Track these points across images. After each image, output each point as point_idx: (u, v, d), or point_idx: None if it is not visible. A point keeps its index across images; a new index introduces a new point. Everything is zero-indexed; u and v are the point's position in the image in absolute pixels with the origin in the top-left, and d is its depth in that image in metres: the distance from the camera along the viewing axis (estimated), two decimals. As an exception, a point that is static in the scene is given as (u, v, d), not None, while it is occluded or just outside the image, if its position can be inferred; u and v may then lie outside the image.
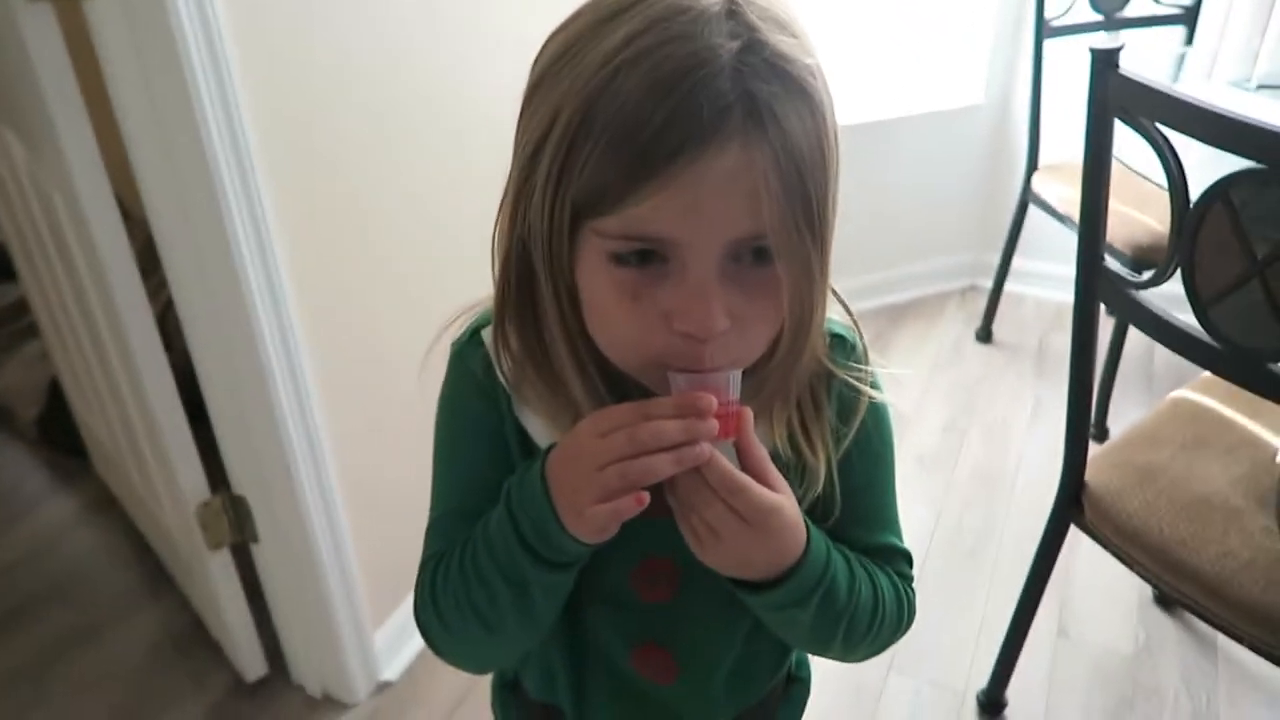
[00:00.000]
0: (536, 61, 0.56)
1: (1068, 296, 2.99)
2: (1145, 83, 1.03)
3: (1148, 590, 1.77)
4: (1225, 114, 0.93)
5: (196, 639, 1.74)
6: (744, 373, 0.58)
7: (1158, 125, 1.03)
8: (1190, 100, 0.97)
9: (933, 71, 2.72)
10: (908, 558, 0.73)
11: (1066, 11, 2.28)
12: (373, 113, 1.37)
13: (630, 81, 0.49)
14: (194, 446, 1.45)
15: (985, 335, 2.62)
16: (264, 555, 1.52)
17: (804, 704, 0.85)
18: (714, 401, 0.54)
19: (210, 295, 1.27)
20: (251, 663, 1.63)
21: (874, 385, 0.67)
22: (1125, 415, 2.22)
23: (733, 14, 0.50)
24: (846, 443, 0.66)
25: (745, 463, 0.58)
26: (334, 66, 1.29)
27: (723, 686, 0.74)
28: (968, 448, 2.21)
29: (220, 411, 1.39)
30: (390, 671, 1.65)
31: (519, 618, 0.62)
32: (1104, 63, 1.06)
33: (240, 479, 1.45)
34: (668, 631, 0.71)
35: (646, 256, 0.53)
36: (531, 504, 0.58)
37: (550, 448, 0.60)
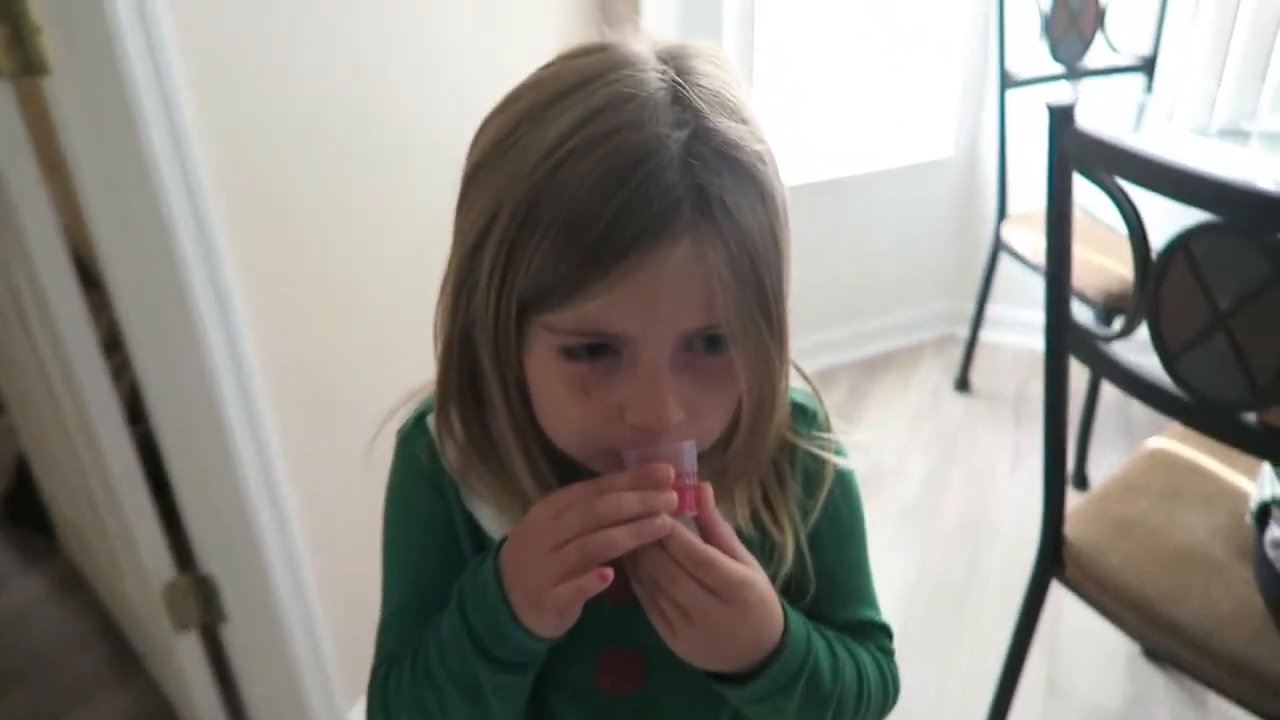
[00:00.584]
0: (474, 145, 0.55)
1: (1043, 343, 2.99)
2: (1101, 137, 1.03)
3: (1136, 642, 1.75)
4: (1181, 167, 0.94)
5: (165, 722, 1.69)
6: (704, 455, 0.56)
7: (1116, 178, 1.03)
8: (1146, 154, 0.97)
9: (902, 126, 2.76)
10: (887, 631, 0.71)
11: (1028, 64, 2.32)
12: (340, 186, 1.37)
13: (576, 173, 0.47)
14: (159, 524, 1.42)
15: (963, 384, 2.62)
16: (233, 635, 1.47)
17: None
18: (670, 472, 0.52)
19: (173, 369, 1.24)
20: (221, 747, 1.57)
21: (838, 452, 0.66)
22: (1105, 461, 2.21)
23: (678, 99, 0.49)
24: (815, 516, 0.64)
25: (709, 538, 0.55)
26: (301, 140, 1.29)
27: None
28: (949, 498, 2.20)
29: (185, 488, 1.36)
30: (365, 751, 1.59)
31: None
32: (1061, 118, 1.07)
33: (207, 557, 1.41)
34: None
35: (597, 350, 0.51)
36: (484, 600, 0.56)
37: (503, 541, 0.58)
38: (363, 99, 1.39)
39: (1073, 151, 1.07)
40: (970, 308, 2.57)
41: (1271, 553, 1.14)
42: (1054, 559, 1.32)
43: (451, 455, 0.62)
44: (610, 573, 0.52)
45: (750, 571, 0.56)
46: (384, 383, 1.48)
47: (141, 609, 1.57)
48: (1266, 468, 1.20)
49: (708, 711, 0.68)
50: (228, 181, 1.19)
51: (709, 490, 0.55)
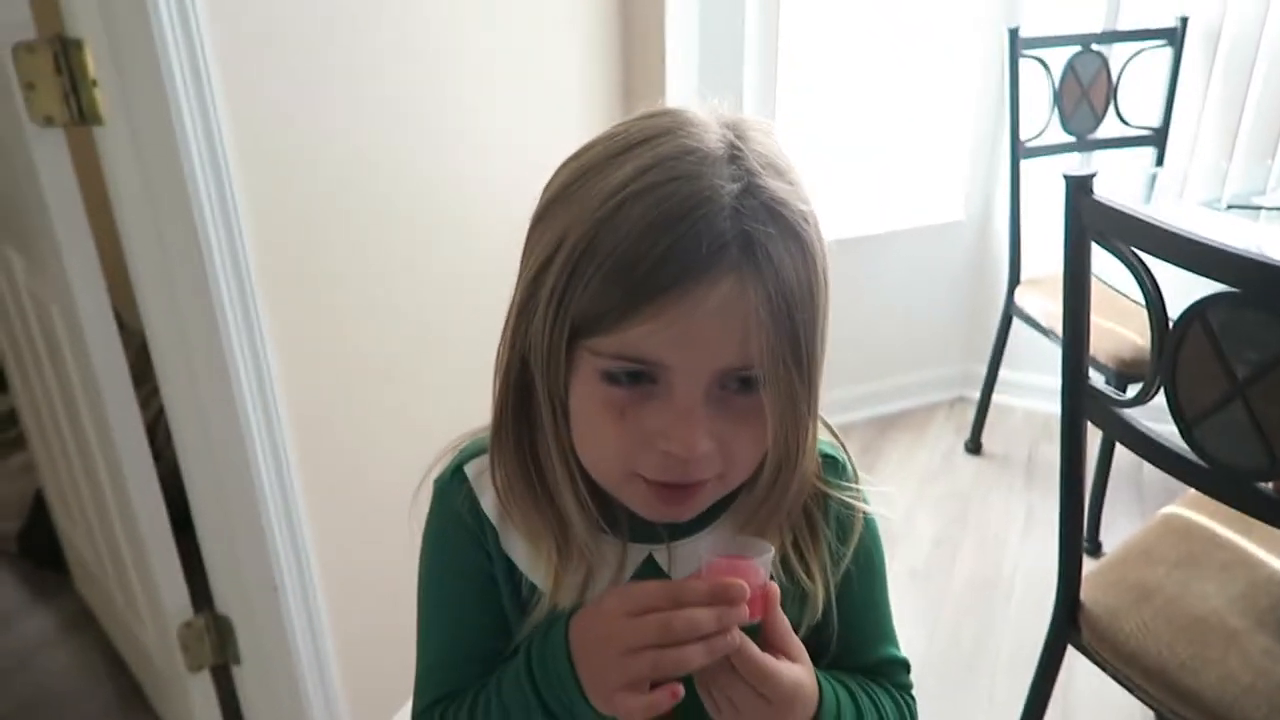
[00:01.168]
0: (548, 187, 0.59)
1: (1055, 407, 3.00)
2: (1118, 208, 1.06)
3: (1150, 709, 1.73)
4: (1196, 239, 0.96)
5: (170, 765, 1.68)
6: (733, 497, 0.58)
7: (1132, 249, 1.06)
8: (1162, 225, 1.00)
9: (915, 189, 2.81)
10: (906, 666, 0.74)
11: (1040, 133, 2.37)
12: (371, 238, 1.40)
13: (635, 213, 0.51)
14: (179, 564, 1.43)
15: (974, 447, 2.63)
16: (245, 678, 1.47)
17: None
18: (747, 590, 0.54)
19: (201, 408, 1.27)
20: (226, 792, 1.56)
21: (864, 500, 0.69)
22: (1117, 527, 2.21)
23: (735, 159, 0.53)
24: (846, 563, 0.67)
25: (768, 635, 0.58)
26: (334, 193, 1.33)
27: None
28: (961, 560, 2.19)
29: (207, 527, 1.37)
30: (371, 801, 1.58)
31: None
32: (1078, 188, 1.10)
33: (225, 598, 1.42)
34: None
35: (637, 377, 0.55)
36: (557, 676, 0.58)
37: (572, 611, 0.60)
38: (400, 177, 1.44)
39: (1090, 221, 1.10)
40: (982, 370, 2.59)
41: (1291, 622, 1.14)
42: (1069, 624, 1.32)
43: (490, 500, 0.64)
44: (681, 690, 0.54)
45: (801, 675, 0.59)
46: (411, 435, 1.51)
47: (154, 647, 1.57)
48: (1286, 537, 1.21)
49: None
50: (266, 230, 1.22)
51: (777, 593, 0.58)
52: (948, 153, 2.74)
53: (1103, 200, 1.08)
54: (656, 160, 0.53)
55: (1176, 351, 1.01)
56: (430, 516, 0.69)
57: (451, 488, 0.67)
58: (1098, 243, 1.10)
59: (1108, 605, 1.29)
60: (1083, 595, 1.32)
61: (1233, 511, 1.43)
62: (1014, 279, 2.42)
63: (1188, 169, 2.46)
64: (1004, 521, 2.32)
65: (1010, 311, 2.43)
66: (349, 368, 1.42)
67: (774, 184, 0.54)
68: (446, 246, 1.57)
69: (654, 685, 0.55)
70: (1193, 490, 1.51)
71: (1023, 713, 1.41)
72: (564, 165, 0.59)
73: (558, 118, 1.86)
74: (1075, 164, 2.56)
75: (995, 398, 2.60)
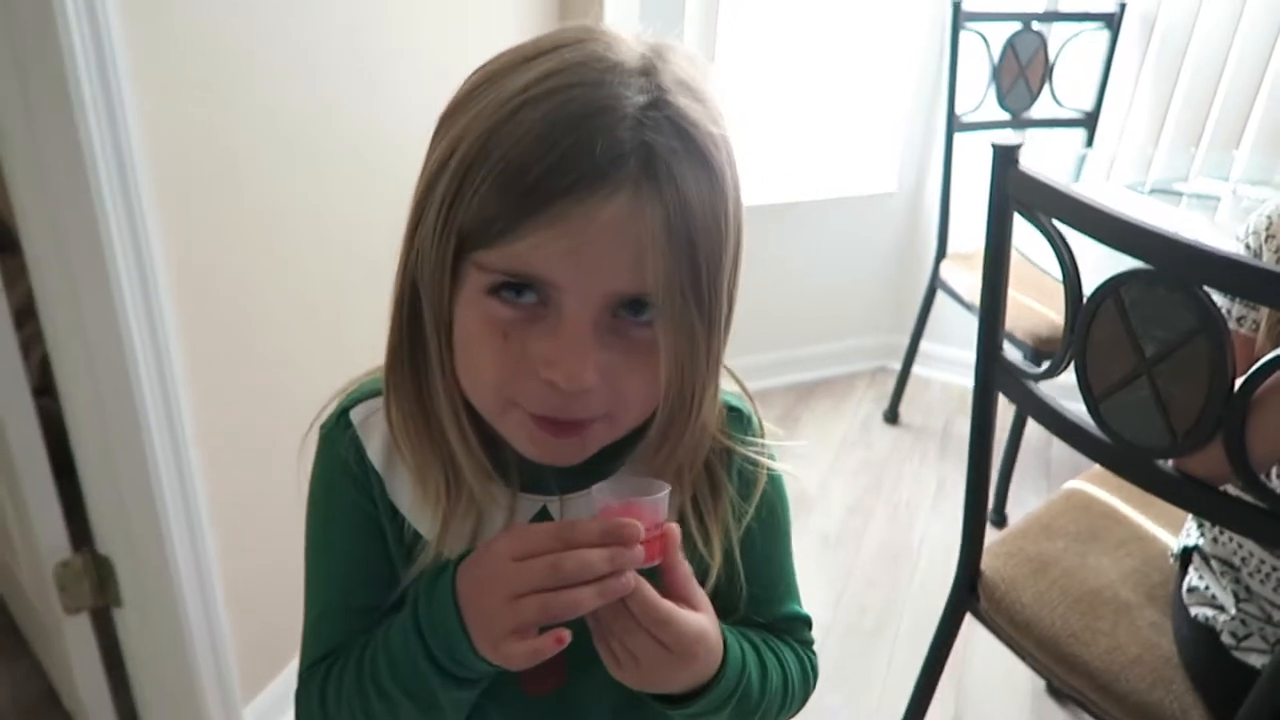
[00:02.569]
0: (455, 94, 0.55)
1: (972, 381, 3.05)
2: (1042, 179, 1.05)
3: (1041, 679, 1.78)
4: (1116, 215, 0.96)
5: (48, 709, 1.61)
6: (625, 443, 0.55)
7: (1054, 221, 1.05)
8: (1084, 199, 0.99)
9: (848, 159, 2.80)
10: (808, 622, 0.73)
11: (976, 108, 2.37)
12: (279, 162, 1.33)
13: (530, 117, 0.48)
14: (55, 497, 1.35)
15: (892, 416, 2.66)
16: (127, 621, 1.41)
17: None
18: (641, 530, 0.51)
19: (86, 341, 1.19)
20: (105, 737, 1.50)
21: (770, 456, 0.66)
22: (1023, 502, 2.26)
23: (647, 72, 0.50)
24: (748, 519, 0.65)
25: (669, 581, 0.56)
26: (238, 99, 1.25)
27: None
28: (872, 528, 2.22)
29: (88, 462, 1.30)
30: (259, 750, 1.54)
31: None
32: (1005, 158, 1.08)
33: (106, 537, 1.35)
34: None
35: (522, 293, 0.51)
36: (442, 625, 0.55)
37: (460, 559, 0.56)
38: (318, 110, 1.36)
39: (1014, 191, 1.09)
40: (904, 342, 2.61)
41: (1186, 598, 1.17)
42: (969, 592, 1.34)
43: (376, 446, 0.61)
44: (568, 635, 0.52)
45: (703, 623, 0.56)
46: (307, 374, 1.45)
47: (30, 588, 1.49)
48: (1191, 514, 1.23)
49: (629, 709, 0.68)
50: (157, 144, 1.15)
51: (676, 534, 0.55)
52: (883, 124, 2.73)
53: (1027, 171, 1.07)
54: (561, 66, 0.50)
55: (1089, 326, 1.01)
56: (316, 464, 0.65)
57: (336, 433, 0.63)
58: (1020, 213, 1.09)
59: (1006, 575, 1.31)
60: (983, 564, 1.33)
61: (1133, 489, 1.46)
62: (940, 252, 2.43)
63: (1115, 152, 2.49)
64: (916, 492, 2.36)
65: (935, 284, 2.45)
66: (247, 305, 1.35)
67: (685, 102, 0.50)
68: (356, 184, 1.50)
69: (543, 631, 0.52)
70: (1097, 467, 1.54)
71: (919, 677, 1.43)
72: (470, 75, 0.55)
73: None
74: (1006, 140, 2.58)
75: (915, 369, 2.63)
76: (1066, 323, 1.04)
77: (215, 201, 1.25)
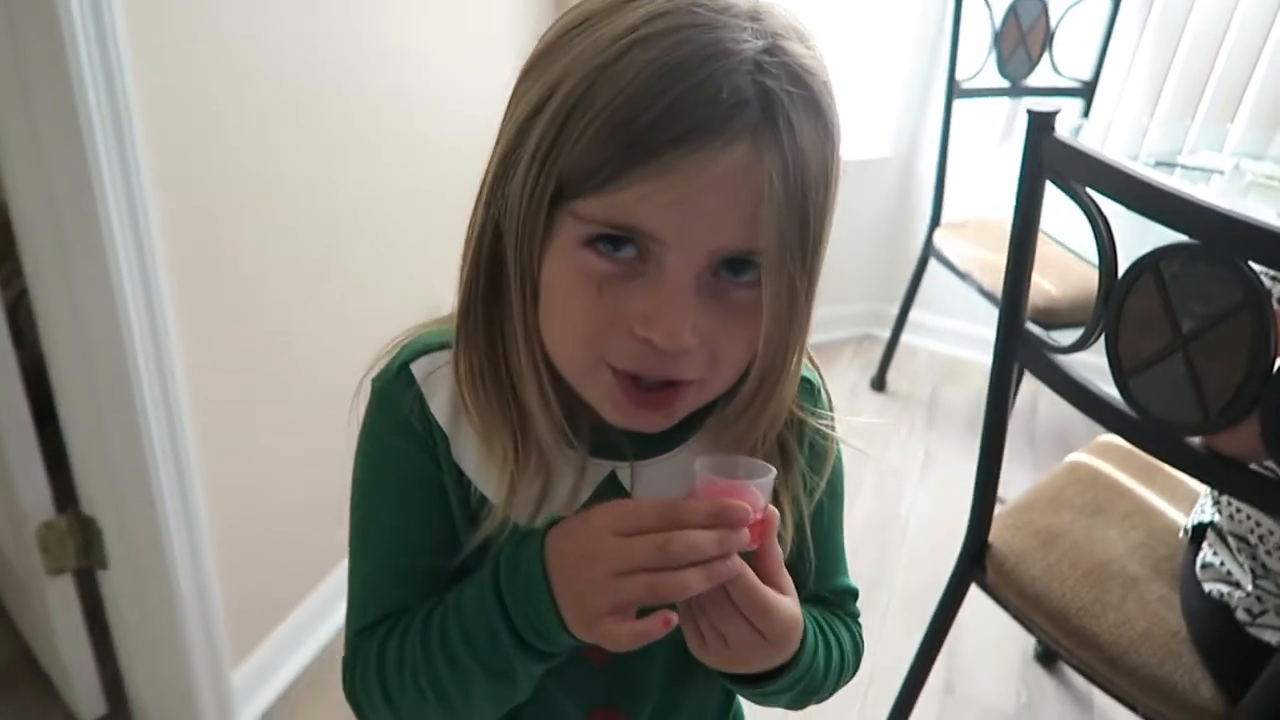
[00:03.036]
0: (542, 39, 0.51)
1: (960, 351, 3.05)
2: (1081, 148, 1.03)
3: (1030, 646, 1.80)
4: (1160, 186, 0.94)
5: (24, 673, 1.56)
6: (707, 411, 0.53)
7: (1089, 191, 1.03)
8: (1127, 169, 0.97)
9: (843, 122, 2.76)
10: (856, 595, 0.71)
11: (976, 75, 2.34)
12: (275, 120, 1.27)
13: (643, 58, 0.44)
14: (39, 456, 1.29)
15: (880, 384, 2.66)
16: (112, 583, 1.36)
17: None
18: (750, 513, 0.49)
19: (72, 284, 1.13)
20: (88, 701, 1.46)
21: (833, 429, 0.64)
22: (1009, 474, 2.25)
23: (757, 17, 0.47)
24: (819, 494, 0.62)
25: (761, 565, 0.53)
26: (235, 67, 1.18)
27: None
28: (861, 496, 2.21)
29: (74, 419, 1.24)
30: (248, 715, 1.50)
31: (495, 704, 0.57)
32: (1040, 125, 1.06)
33: (91, 497, 1.30)
34: (614, 696, 0.67)
35: (621, 246, 0.48)
36: (528, 597, 0.52)
37: (549, 526, 0.53)
38: (306, 67, 1.30)
39: (1048, 160, 1.06)
40: (893, 309, 2.60)
41: (1200, 574, 1.17)
42: (976, 563, 1.33)
43: (441, 402, 0.57)
44: (674, 618, 0.49)
45: (796, 611, 0.55)
46: (304, 331, 1.40)
47: (11, 549, 1.44)
48: (1206, 490, 1.23)
49: (681, 672, 0.67)
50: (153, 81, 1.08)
51: (775, 519, 0.53)
52: (879, 89, 2.69)
53: (1064, 139, 1.04)
54: (671, 6, 0.46)
55: (1124, 300, 0.99)
56: (369, 419, 0.61)
57: (396, 389, 0.59)
58: (1053, 182, 1.07)
59: (1015, 548, 1.30)
60: (990, 537, 1.33)
61: (1135, 461, 1.47)
62: (935, 220, 2.42)
63: (1111, 122, 2.48)
64: (903, 461, 2.36)
65: (928, 253, 2.43)
66: (244, 258, 1.29)
67: (799, 48, 0.47)
68: (353, 148, 1.44)
69: (640, 612, 0.50)
70: (1097, 439, 1.54)
71: (920, 647, 1.43)
72: (561, 17, 0.51)
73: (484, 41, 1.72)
74: (1006, 110, 2.56)
75: (903, 338, 2.62)
76: (1100, 294, 1.02)
77: (211, 148, 1.19)
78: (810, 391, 0.63)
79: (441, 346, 0.58)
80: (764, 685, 0.58)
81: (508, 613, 0.53)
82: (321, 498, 1.56)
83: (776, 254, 0.47)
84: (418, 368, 0.58)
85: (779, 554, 0.54)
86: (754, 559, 0.52)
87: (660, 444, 0.59)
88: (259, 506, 1.44)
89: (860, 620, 0.72)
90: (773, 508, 0.52)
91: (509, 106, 0.52)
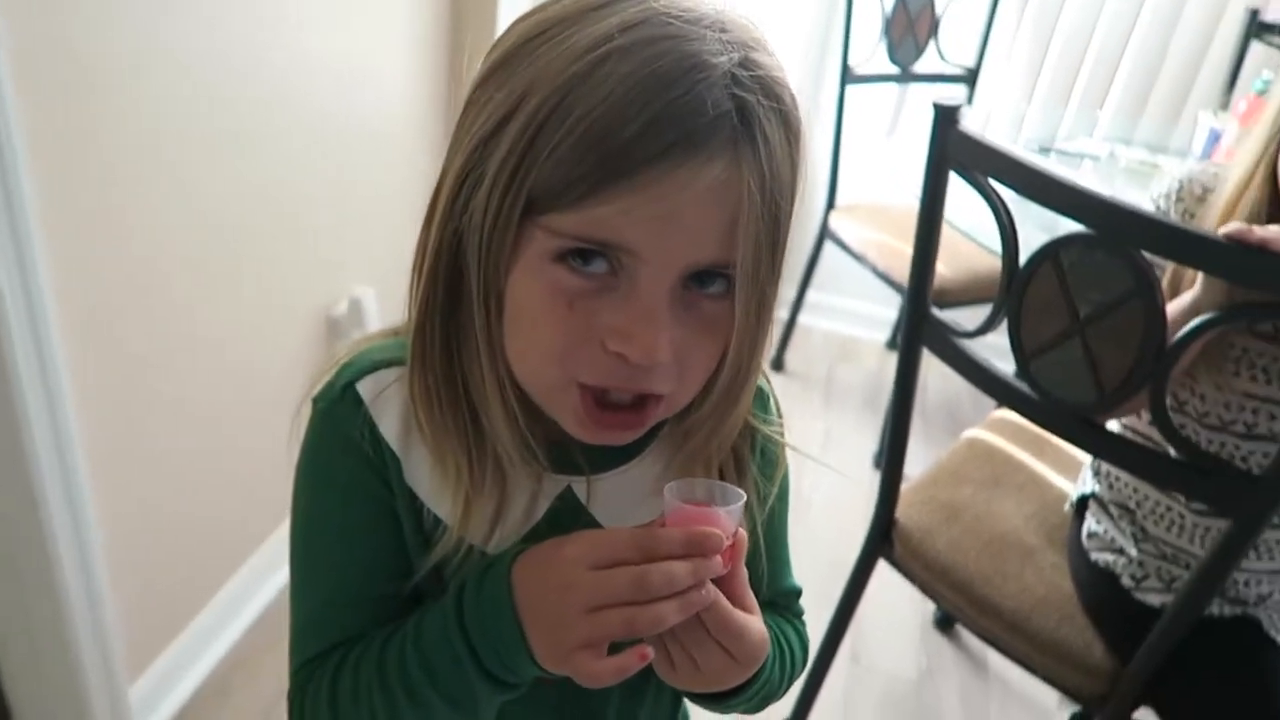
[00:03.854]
0: (497, 46, 0.49)
1: (854, 330, 3.13)
2: (984, 141, 1.07)
3: (929, 614, 1.88)
4: (1059, 178, 0.98)
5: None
6: (669, 422, 0.53)
7: (991, 181, 1.07)
8: (1028, 162, 1.01)
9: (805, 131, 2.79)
10: (799, 594, 0.73)
11: (867, 60, 2.40)
12: (167, 130, 1.20)
13: (619, 71, 0.43)
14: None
15: (778, 364, 2.71)
16: (-9, 595, 1.27)
17: None
18: (724, 540, 0.49)
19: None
20: (-32, 723, 1.36)
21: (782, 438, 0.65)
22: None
23: (724, 28, 0.46)
24: (772, 500, 0.63)
25: (730, 587, 0.53)
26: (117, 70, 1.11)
27: None
28: (764, 474, 2.26)
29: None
30: (147, 728, 1.44)
31: None
32: (946, 118, 1.09)
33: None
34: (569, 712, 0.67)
35: (592, 260, 0.47)
36: (495, 630, 0.51)
37: (511, 554, 0.52)
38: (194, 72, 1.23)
39: (953, 151, 1.10)
40: (790, 292, 2.66)
41: (1086, 543, 1.24)
42: (884, 539, 1.38)
43: (391, 424, 0.55)
44: (650, 652, 0.49)
45: (764, 631, 0.55)
46: (198, 326, 1.33)
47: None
48: (1088, 462, 1.31)
49: (637, 689, 0.68)
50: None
51: (745, 542, 0.53)
52: (774, 70, 2.73)
53: (968, 132, 1.08)
54: (642, 15, 0.45)
55: (1025, 286, 1.04)
56: (312, 440, 0.58)
57: (342, 410, 0.56)
58: (958, 173, 1.11)
59: (920, 523, 1.36)
60: (897, 513, 1.38)
61: (1026, 435, 1.55)
62: (830, 203, 2.47)
63: (991, 109, 2.59)
64: (804, 439, 2.41)
65: (824, 235, 2.49)
66: (133, 249, 1.22)
67: (768, 60, 0.48)
68: (257, 138, 1.37)
69: (612, 646, 0.49)
70: (991, 415, 1.62)
71: (832, 620, 1.47)
72: (516, 24, 0.49)
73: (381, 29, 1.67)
74: (894, 96, 2.63)
75: (799, 318, 2.68)
76: (1003, 282, 1.07)
77: (104, 141, 1.11)
78: (761, 399, 0.63)
79: (387, 364, 0.56)
80: (729, 701, 0.59)
81: (472, 644, 0.52)
82: (227, 493, 1.50)
83: (751, 267, 0.47)
84: (364, 388, 0.56)
85: (745, 575, 0.54)
86: (723, 581, 0.52)
87: (617, 456, 0.58)
88: (156, 506, 1.37)
89: (804, 618, 0.73)
90: (743, 531, 0.52)
91: (464, 117, 0.50)
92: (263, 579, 1.64)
